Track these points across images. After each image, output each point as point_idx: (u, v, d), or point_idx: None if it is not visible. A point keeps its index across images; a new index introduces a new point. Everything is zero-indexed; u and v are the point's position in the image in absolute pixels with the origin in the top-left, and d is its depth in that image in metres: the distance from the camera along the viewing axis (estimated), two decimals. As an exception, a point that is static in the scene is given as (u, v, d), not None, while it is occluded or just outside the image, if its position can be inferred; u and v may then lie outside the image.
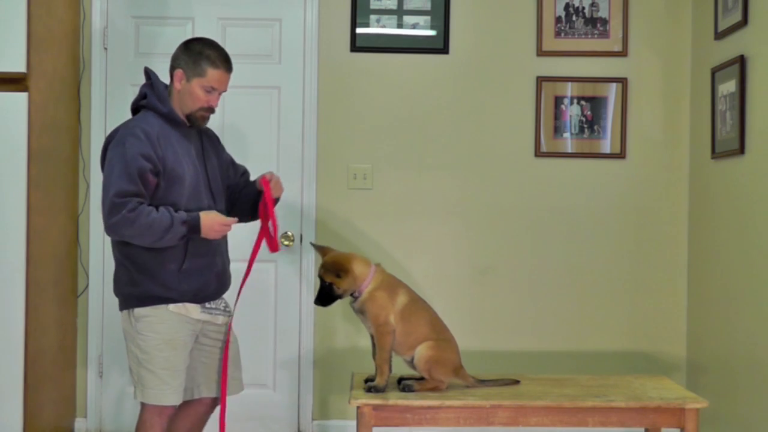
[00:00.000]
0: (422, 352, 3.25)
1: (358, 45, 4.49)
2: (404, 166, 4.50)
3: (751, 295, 3.82)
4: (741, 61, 3.88)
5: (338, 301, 3.30)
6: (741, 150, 3.89)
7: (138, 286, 3.08)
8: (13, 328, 3.74)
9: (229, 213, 3.33)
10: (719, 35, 4.12)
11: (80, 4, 4.41)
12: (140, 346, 3.09)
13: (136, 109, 3.21)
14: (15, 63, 3.72)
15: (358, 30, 4.48)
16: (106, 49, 4.45)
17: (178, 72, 3.12)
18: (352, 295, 3.28)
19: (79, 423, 4.46)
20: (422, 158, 4.51)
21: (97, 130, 4.43)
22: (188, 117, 3.15)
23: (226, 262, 3.28)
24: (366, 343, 3.29)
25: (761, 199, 3.74)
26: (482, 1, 4.51)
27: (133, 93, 4.40)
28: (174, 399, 3.13)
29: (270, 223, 3.23)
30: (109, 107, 4.43)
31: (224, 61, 3.14)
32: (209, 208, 3.15)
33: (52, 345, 4.11)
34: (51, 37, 4.03)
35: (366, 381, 3.31)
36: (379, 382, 3.23)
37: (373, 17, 4.48)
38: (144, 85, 3.19)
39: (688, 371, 4.50)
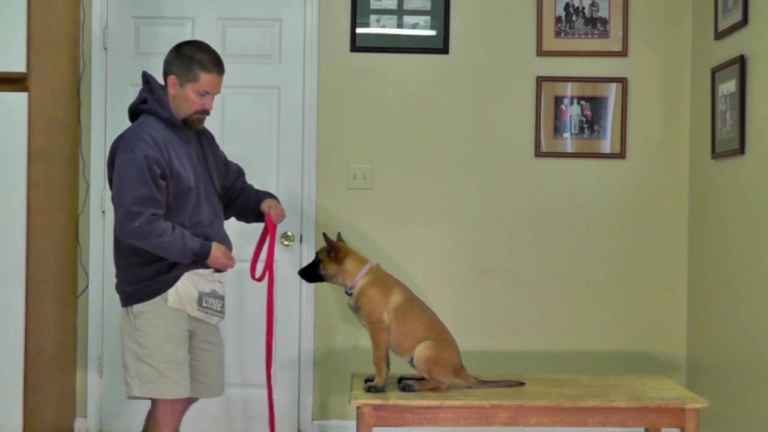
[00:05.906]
0: (421, 351, 3.25)
1: (358, 45, 4.49)
2: (404, 166, 4.50)
3: (752, 295, 3.82)
4: (741, 61, 3.88)
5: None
6: (741, 150, 3.89)
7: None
8: (13, 328, 3.74)
9: (225, 212, 3.40)
10: (719, 35, 4.12)
11: (80, 4, 4.41)
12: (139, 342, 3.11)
13: (134, 112, 3.22)
14: (15, 63, 3.72)
15: (358, 30, 4.48)
16: (106, 49, 4.45)
17: (172, 78, 3.15)
18: (346, 292, 3.30)
19: (79, 423, 4.46)
20: (422, 158, 4.50)
21: (97, 130, 4.43)
22: (184, 121, 3.19)
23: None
24: (366, 343, 3.29)
25: (761, 199, 3.74)
26: (482, 1, 4.51)
27: (133, 93, 4.40)
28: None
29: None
30: (109, 107, 4.43)
31: (216, 65, 3.15)
32: (213, 215, 3.22)
33: (52, 345, 4.10)
34: (51, 37, 4.03)
35: (366, 381, 3.31)
36: (378, 381, 3.23)
37: (373, 17, 4.48)
38: (143, 90, 3.20)
39: (688, 371, 4.49)
